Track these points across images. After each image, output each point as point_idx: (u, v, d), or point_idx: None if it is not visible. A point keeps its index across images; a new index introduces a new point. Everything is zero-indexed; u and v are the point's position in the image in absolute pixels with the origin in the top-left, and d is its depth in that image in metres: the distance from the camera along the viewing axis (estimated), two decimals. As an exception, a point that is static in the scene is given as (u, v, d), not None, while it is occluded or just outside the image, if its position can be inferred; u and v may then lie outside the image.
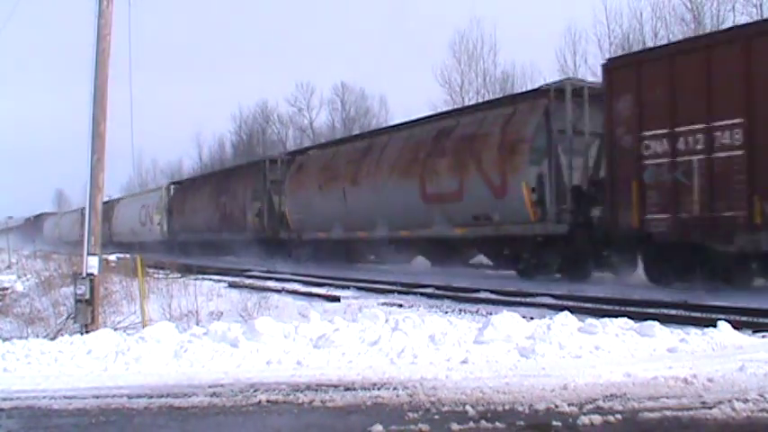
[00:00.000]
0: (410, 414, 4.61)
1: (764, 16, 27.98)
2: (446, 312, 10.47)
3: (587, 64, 35.45)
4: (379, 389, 5.30)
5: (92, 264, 8.63)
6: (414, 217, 18.91)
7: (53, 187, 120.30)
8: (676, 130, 12.58)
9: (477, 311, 10.55)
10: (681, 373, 5.36)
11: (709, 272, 12.50)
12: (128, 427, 4.64)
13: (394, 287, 14.51)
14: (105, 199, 11.96)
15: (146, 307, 9.72)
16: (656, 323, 7.03)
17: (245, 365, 6.35)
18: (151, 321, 9.04)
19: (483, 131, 17.26)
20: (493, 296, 12.47)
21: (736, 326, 7.40)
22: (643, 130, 13.14)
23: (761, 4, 30.09)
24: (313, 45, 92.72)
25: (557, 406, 4.66)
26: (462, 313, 10.34)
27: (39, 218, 76.80)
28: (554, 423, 4.37)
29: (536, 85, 17.62)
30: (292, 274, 19.23)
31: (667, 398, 4.82)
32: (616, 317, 7.51)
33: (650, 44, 30.61)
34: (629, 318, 7.56)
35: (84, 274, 8.60)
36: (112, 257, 19.38)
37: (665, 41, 27.69)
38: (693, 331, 7.02)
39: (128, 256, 20.05)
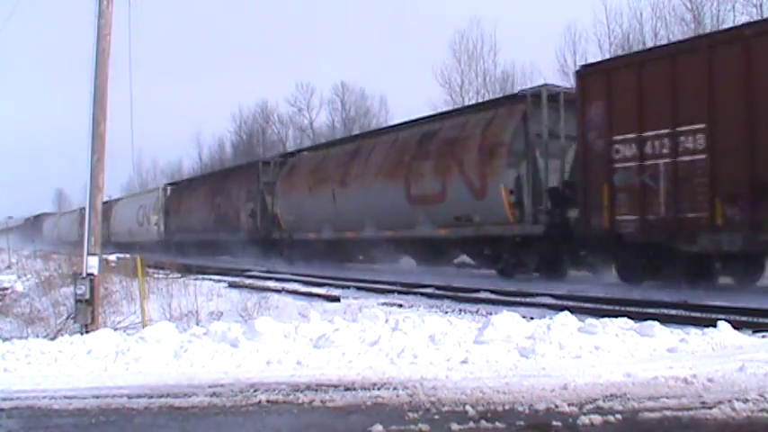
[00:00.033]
0: (410, 414, 4.61)
1: (764, 16, 27.98)
2: (446, 312, 10.47)
3: (587, 64, 35.45)
4: (379, 389, 5.30)
5: (92, 264, 8.63)
6: (399, 218, 19.50)
7: (53, 187, 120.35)
8: (644, 134, 13.11)
9: (477, 311, 10.55)
10: (681, 373, 5.36)
11: (675, 271, 13.01)
12: (128, 427, 4.64)
13: (394, 287, 14.51)
14: (105, 199, 11.96)
15: (146, 307, 9.72)
16: (656, 323, 7.03)
17: (245, 365, 6.35)
18: (151, 321, 9.04)
19: (464, 135, 17.82)
20: (493, 296, 12.48)
21: (736, 326, 7.40)
22: (613, 135, 13.67)
23: (761, 4, 30.12)
24: (313, 45, 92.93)
25: (557, 406, 4.66)
26: (462, 313, 10.34)
27: (38, 218, 76.85)
28: (554, 423, 4.37)
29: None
30: (292, 274, 19.28)
31: (667, 398, 4.82)
32: (616, 317, 7.51)
33: (650, 44, 30.64)
34: (629, 318, 7.56)
35: (84, 274, 8.60)
36: (112, 257, 19.37)
37: (665, 41, 27.71)
38: (693, 331, 7.02)
39: (128, 256, 20.06)
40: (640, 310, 9.61)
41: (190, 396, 5.29)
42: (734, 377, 5.28)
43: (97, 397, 5.32)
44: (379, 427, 4.30)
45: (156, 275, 15.30)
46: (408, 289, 14.11)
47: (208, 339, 7.02)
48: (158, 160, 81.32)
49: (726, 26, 26.73)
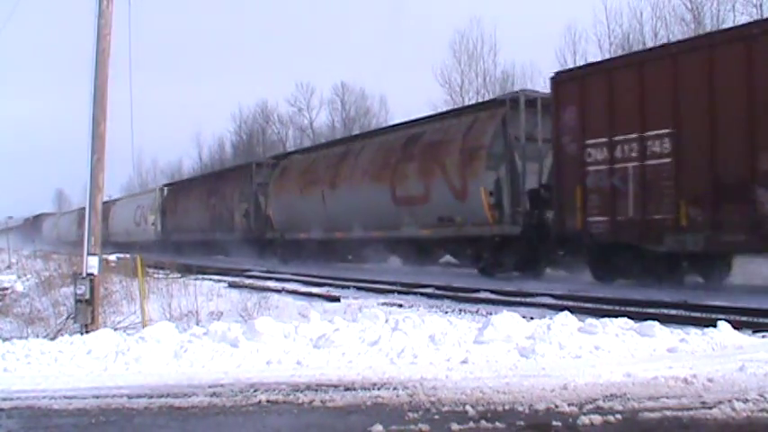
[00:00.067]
0: (410, 414, 4.61)
1: (764, 16, 27.99)
2: (446, 312, 10.47)
3: (587, 64, 35.47)
4: (379, 389, 5.30)
5: (92, 264, 8.63)
6: (385, 219, 20.06)
7: (53, 187, 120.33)
8: (614, 139, 13.62)
9: (477, 311, 10.55)
10: (681, 373, 5.35)
11: (644, 270, 13.52)
12: (128, 427, 4.64)
13: (394, 287, 14.51)
14: (105, 199, 11.97)
15: (146, 307, 9.72)
16: (656, 323, 7.03)
17: (245, 365, 6.35)
18: (151, 321, 9.04)
19: (447, 138, 18.41)
20: (493, 296, 12.48)
21: (736, 326, 7.40)
22: (586, 139, 14.16)
23: (761, 4, 30.13)
24: (313, 45, 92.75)
25: (557, 406, 4.66)
26: (462, 313, 10.34)
27: (37, 218, 76.96)
28: (554, 423, 4.37)
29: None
30: (292, 274, 19.31)
31: (667, 398, 4.82)
32: (616, 317, 7.51)
33: (650, 44, 30.64)
34: (629, 318, 7.55)
35: (84, 274, 8.60)
36: (112, 257, 19.38)
37: (665, 41, 27.71)
38: (693, 331, 7.02)
39: (128, 255, 20.06)
40: (640, 310, 9.61)
41: (190, 396, 5.29)
42: (734, 377, 5.28)
43: (97, 397, 5.32)
44: (379, 427, 4.30)
45: (155, 275, 15.30)
46: (408, 289, 14.11)
47: (208, 339, 7.02)
48: (158, 160, 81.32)
49: (726, 26, 26.75)
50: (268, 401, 5.10)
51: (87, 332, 8.01)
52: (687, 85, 12.42)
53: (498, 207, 16.65)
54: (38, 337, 8.35)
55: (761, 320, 8.40)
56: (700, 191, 12.25)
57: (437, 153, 18.39)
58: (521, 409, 4.67)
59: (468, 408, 4.69)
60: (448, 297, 12.61)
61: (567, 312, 7.57)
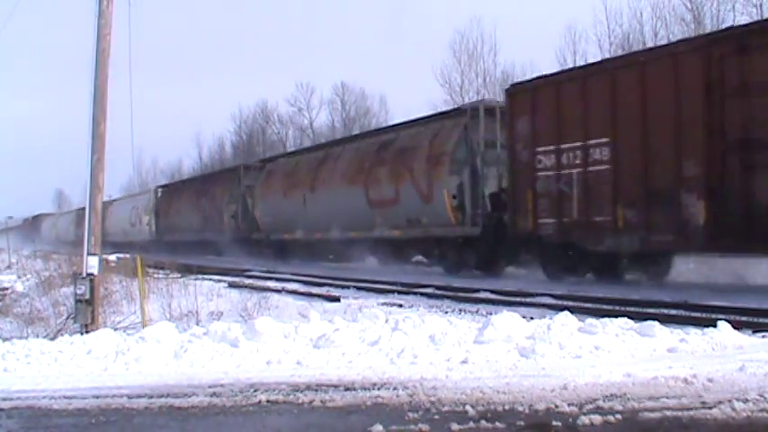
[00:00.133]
0: (410, 414, 4.61)
1: (764, 16, 27.99)
2: (446, 312, 10.46)
3: (587, 64, 35.46)
4: (379, 389, 5.30)
5: (92, 264, 8.63)
6: (360, 220, 21.38)
7: (53, 187, 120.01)
8: (561, 146, 14.71)
9: (477, 311, 10.55)
10: (681, 373, 5.35)
11: (590, 268, 14.87)
12: (128, 427, 4.64)
13: (394, 287, 14.52)
14: (105, 199, 11.97)
15: (146, 307, 9.72)
16: (656, 323, 7.03)
17: (245, 365, 6.35)
18: (151, 321, 9.04)
19: (415, 145, 19.81)
20: (493, 296, 12.47)
21: (736, 326, 7.39)
22: (536, 147, 15.29)
23: (761, 4, 30.15)
24: (313, 45, 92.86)
25: (557, 406, 4.66)
26: (462, 313, 10.34)
27: (37, 218, 77.11)
28: (554, 423, 4.37)
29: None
30: (292, 274, 19.37)
31: (667, 398, 4.82)
32: (616, 317, 7.51)
33: (650, 44, 30.65)
34: (629, 318, 7.55)
35: (84, 274, 8.60)
36: (112, 257, 19.38)
37: (665, 41, 27.73)
38: (693, 331, 7.02)
39: (128, 255, 20.08)
40: (640, 310, 9.61)
41: (190, 396, 5.28)
42: (734, 377, 5.27)
43: (97, 397, 5.32)
44: (379, 427, 4.29)
45: (155, 275, 15.30)
46: (408, 289, 14.11)
47: (208, 339, 7.02)
48: (158, 160, 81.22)
49: (725, 26, 26.74)
50: (268, 401, 5.10)
51: (87, 332, 8.01)
52: (623, 98, 13.48)
53: (461, 209, 17.73)
54: (38, 337, 8.36)
55: (761, 320, 8.40)
56: (634, 195, 13.32)
57: (406, 158, 19.68)
58: (521, 409, 4.67)
59: (468, 408, 4.69)
60: (448, 297, 12.61)
61: (566, 312, 7.57)
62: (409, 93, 79.24)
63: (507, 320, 6.97)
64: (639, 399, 4.79)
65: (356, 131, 44.57)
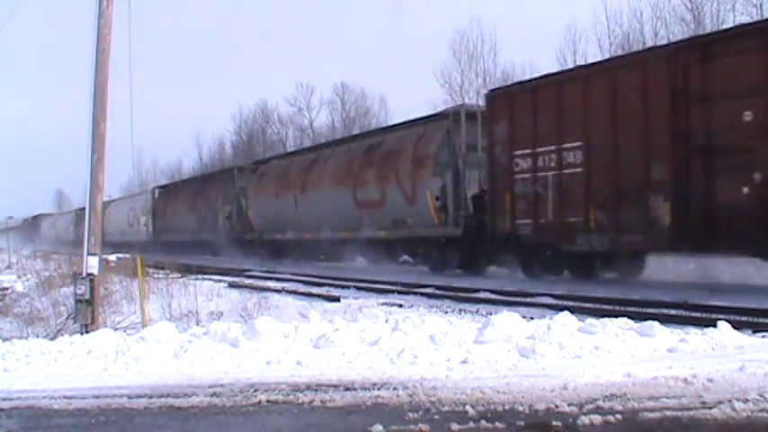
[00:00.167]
0: (410, 414, 4.61)
1: (764, 16, 27.99)
2: (446, 312, 10.46)
3: (587, 64, 35.45)
4: (379, 389, 5.29)
5: (92, 264, 8.62)
6: (348, 221, 22.03)
7: (53, 187, 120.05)
8: (537, 150, 15.30)
9: (477, 311, 10.55)
10: (681, 373, 5.35)
11: (565, 267, 15.49)
12: (128, 427, 4.64)
13: (394, 287, 14.52)
14: (105, 199, 11.98)
15: (146, 307, 9.72)
16: (656, 323, 7.02)
17: (245, 365, 6.35)
18: (151, 321, 9.04)
19: (400, 147, 20.44)
20: (493, 296, 12.48)
21: (736, 326, 7.39)
22: (514, 150, 15.87)
23: (761, 4, 30.15)
24: (313, 45, 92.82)
25: (557, 406, 4.66)
26: (462, 313, 10.34)
27: (36, 218, 77.26)
28: (554, 423, 4.37)
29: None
30: (292, 274, 19.40)
31: (667, 398, 4.82)
32: (616, 317, 7.50)
33: (650, 44, 30.64)
34: (629, 318, 7.55)
35: (84, 274, 8.60)
36: (112, 257, 19.39)
37: (665, 41, 27.72)
38: (693, 331, 7.01)
39: (128, 255, 20.09)
40: (640, 310, 9.60)
41: (190, 396, 5.28)
42: (734, 377, 5.27)
43: (97, 397, 5.32)
44: (379, 427, 4.29)
45: (155, 275, 15.30)
46: (408, 289, 14.11)
47: (208, 339, 7.02)
48: (158, 160, 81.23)
49: (726, 26, 26.75)
50: (268, 401, 5.10)
51: (87, 332, 8.01)
52: (595, 103, 14.06)
53: (444, 210, 18.37)
54: (38, 337, 8.36)
55: (761, 320, 8.40)
56: (605, 197, 13.89)
57: (392, 161, 20.32)
58: (521, 409, 4.67)
59: (468, 408, 4.69)
60: (448, 297, 12.61)
61: (566, 312, 7.57)
62: (409, 93, 79.26)
63: (507, 320, 6.97)
64: (639, 399, 4.79)
65: (356, 131, 44.61)
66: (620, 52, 31.53)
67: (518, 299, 11.84)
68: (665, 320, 7.74)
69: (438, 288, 13.85)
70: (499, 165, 16.35)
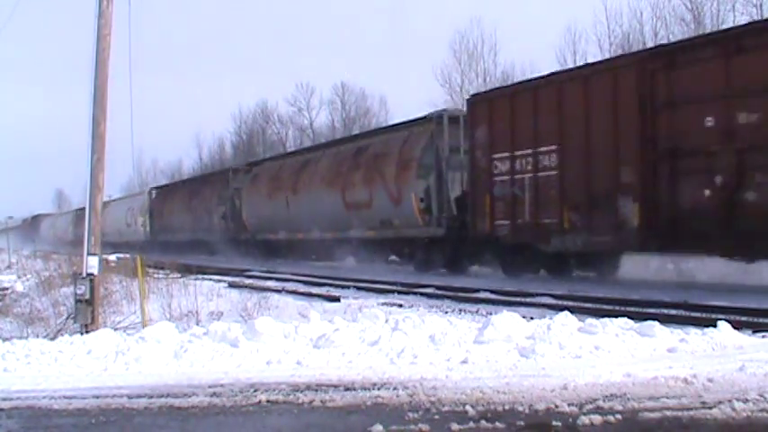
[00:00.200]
0: (410, 414, 4.61)
1: (764, 16, 27.98)
2: (446, 312, 10.46)
3: (587, 64, 35.43)
4: (379, 389, 5.29)
5: (92, 264, 8.62)
6: (337, 221, 22.67)
7: (53, 187, 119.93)
8: (515, 153, 15.82)
9: (477, 311, 10.55)
10: (681, 373, 5.35)
11: (541, 266, 16.08)
12: (128, 427, 4.64)
13: (394, 287, 14.52)
14: (105, 199, 11.98)
15: (146, 307, 9.72)
16: (656, 323, 7.02)
17: (245, 365, 6.35)
18: (151, 321, 9.04)
19: (387, 150, 21.01)
20: (493, 296, 12.47)
21: (736, 326, 7.39)
22: (493, 153, 16.39)
23: (761, 4, 30.15)
24: (313, 45, 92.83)
25: (557, 406, 4.66)
26: (462, 313, 10.34)
27: (36, 219, 77.35)
28: (554, 423, 4.37)
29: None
30: (292, 273, 19.42)
31: (667, 398, 4.82)
32: (616, 317, 7.50)
33: (650, 44, 30.63)
34: (629, 318, 7.55)
35: (84, 274, 8.60)
36: (112, 257, 19.39)
37: (665, 41, 27.71)
38: (693, 331, 7.01)
39: (128, 255, 20.09)
40: (640, 310, 9.60)
41: (190, 396, 5.28)
42: (734, 377, 5.27)
43: (97, 397, 5.32)
44: (379, 427, 4.29)
45: (155, 275, 15.29)
46: (408, 289, 14.11)
47: (208, 339, 7.02)
48: (158, 160, 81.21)
49: (726, 26, 26.75)
50: (268, 401, 5.10)
51: (87, 332, 8.01)
52: (569, 109, 14.52)
53: (428, 211, 18.93)
54: (38, 337, 8.36)
55: (761, 320, 8.40)
56: (578, 199, 14.41)
57: (379, 163, 20.86)
58: (521, 409, 4.67)
59: (468, 408, 4.69)
60: (448, 297, 12.61)
61: (566, 312, 7.57)
62: (409, 93, 79.53)
63: (507, 320, 6.97)
64: (639, 399, 4.79)
65: (356, 131, 44.62)
66: (620, 52, 31.52)
67: (518, 299, 11.83)
68: (665, 320, 7.74)
69: (438, 288, 13.85)
70: (479, 167, 16.85)
